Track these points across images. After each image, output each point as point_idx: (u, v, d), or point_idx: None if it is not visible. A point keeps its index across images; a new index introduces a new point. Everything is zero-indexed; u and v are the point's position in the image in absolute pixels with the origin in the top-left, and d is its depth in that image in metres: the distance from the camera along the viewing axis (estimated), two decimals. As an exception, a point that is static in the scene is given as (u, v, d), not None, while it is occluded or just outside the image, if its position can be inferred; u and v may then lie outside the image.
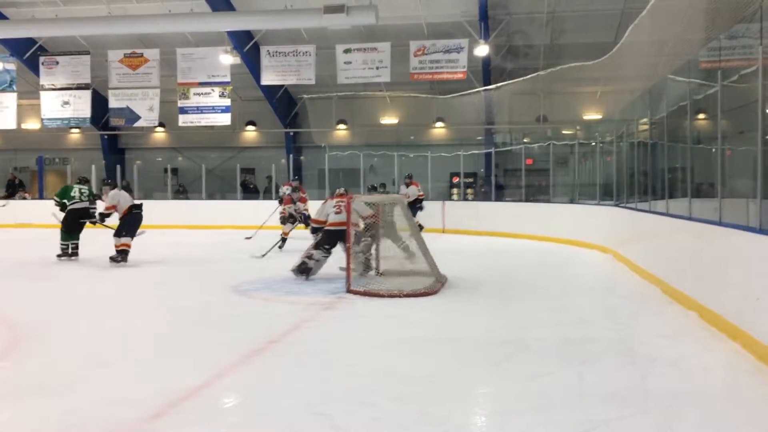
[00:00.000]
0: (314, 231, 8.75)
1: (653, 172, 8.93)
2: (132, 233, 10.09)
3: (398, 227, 8.43)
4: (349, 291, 7.21)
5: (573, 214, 13.30)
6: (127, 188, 19.97)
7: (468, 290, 7.65)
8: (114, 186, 10.35)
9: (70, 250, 10.66)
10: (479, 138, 20.48)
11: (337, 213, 8.15)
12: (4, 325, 5.87)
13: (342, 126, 21.74)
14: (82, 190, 10.86)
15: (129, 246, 10.02)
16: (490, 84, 18.48)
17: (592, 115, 18.80)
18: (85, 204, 10.81)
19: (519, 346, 5.06)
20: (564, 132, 17.71)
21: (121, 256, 9.88)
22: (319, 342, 5.25)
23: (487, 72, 18.71)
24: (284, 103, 21.40)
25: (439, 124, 21.18)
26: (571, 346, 5.09)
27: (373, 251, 8.27)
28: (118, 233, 10.02)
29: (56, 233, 10.80)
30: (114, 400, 3.80)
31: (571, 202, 14.15)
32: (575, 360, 4.69)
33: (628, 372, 4.41)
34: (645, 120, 9.36)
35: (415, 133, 21.51)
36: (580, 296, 7.47)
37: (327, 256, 8.25)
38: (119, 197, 10.04)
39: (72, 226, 10.72)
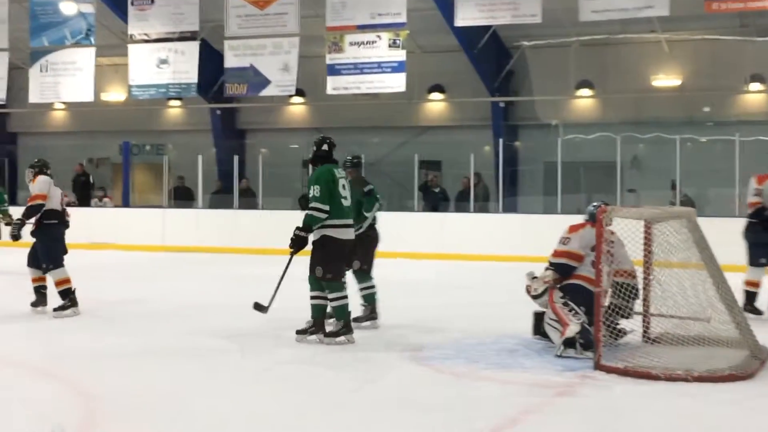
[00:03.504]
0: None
1: None
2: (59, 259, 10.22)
3: (685, 260, 8.15)
4: (598, 367, 7.12)
5: None
6: (248, 191, 21.18)
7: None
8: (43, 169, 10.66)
9: None
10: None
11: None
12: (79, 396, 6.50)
13: (585, 91, 21.57)
14: None
15: (68, 281, 10.17)
16: None
17: None
18: None
19: None
20: None
21: (69, 299, 10.05)
22: (551, 449, 5.22)
23: None
24: (491, 56, 21.60)
25: (756, 86, 20.32)
26: None
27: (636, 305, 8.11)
28: (39, 262, 10.23)
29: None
30: None
31: None
32: None
33: None
34: None
35: (712, 101, 20.81)
36: None
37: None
38: (50, 188, 10.39)
39: None
